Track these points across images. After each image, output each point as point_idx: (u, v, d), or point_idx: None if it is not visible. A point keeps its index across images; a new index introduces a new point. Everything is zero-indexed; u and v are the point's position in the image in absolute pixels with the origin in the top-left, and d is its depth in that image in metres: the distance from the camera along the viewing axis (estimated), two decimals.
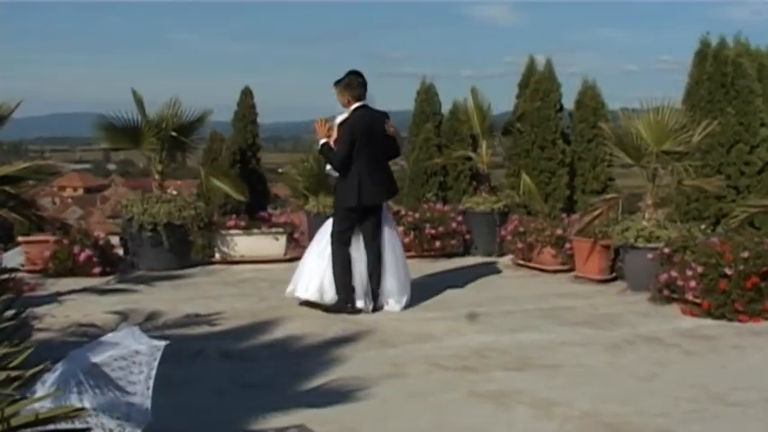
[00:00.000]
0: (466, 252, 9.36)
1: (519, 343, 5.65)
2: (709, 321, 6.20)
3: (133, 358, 2.73)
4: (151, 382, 2.71)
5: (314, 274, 6.61)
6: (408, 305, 6.70)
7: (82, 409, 2.48)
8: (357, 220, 6.60)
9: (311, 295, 6.58)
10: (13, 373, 2.54)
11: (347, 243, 6.58)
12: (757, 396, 4.52)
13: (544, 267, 8.34)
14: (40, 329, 5.56)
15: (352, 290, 6.55)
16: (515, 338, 5.79)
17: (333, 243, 6.58)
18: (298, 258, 7.23)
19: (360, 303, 6.56)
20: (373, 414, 4.21)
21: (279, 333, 5.92)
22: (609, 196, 8.27)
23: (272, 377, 4.85)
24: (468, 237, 9.36)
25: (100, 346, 2.76)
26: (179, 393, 4.35)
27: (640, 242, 7.19)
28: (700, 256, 6.41)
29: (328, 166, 6.81)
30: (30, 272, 7.97)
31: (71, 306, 6.70)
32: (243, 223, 8.97)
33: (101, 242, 8.27)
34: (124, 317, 6.24)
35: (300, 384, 4.68)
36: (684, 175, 7.49)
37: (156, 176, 8.89)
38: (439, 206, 9.44)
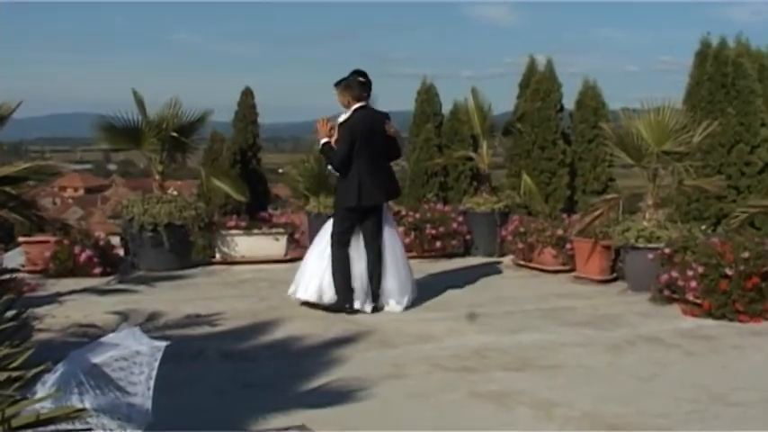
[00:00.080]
0: (466, 252, 9.36)
1: (519, 343, 5.65)
2: (710, 322, 6.20)
3: (134, 359, 2.73)
4: (152, 383, 2.71)
5: (314, 275, 6.62)
6: (410, 306, 6.70)
7: (83, 409, 2.48)
8: (357, 221, 6.60)
9: (310, 296, 6.59)
10: (14, 374, 2.54)
11: (347, 244, 6.58)
12: (758, 396, 4.52)
13: (545, 268, 8.34)
14: (40, 330, 5.56)
15: (351, 291, 6.55)
16: (516, 339, 5.79)
17: (332, 243, 6.58)
18: (298, 259, 7.23)
19: (358, 304, 6.56)
20: (374, 414, 4.21)
21: (279, 333, 5.92)
22: (609, 196, 8.28)
23: (273, 377, 4.85)
24: (468, 237, 9.36)
25: (100, 347, 2.76)
26: (180, 394, 4.35)
27: (641, 242, 7.19)
28: (700, 256, 6.41)
29: (330, 166, 6.82)
30: (30, 272, 7.98)
31: (71, 306, 6.70)
32: (243, 224, 8.97)
33: (101, 242, 8.27)
34: (125, 317, 6.24)
35: (301, 385, 4.68)
36: (685, 176, 7.49)
37: (157, 177, 8.89)
38: (439, 206, 9.44)
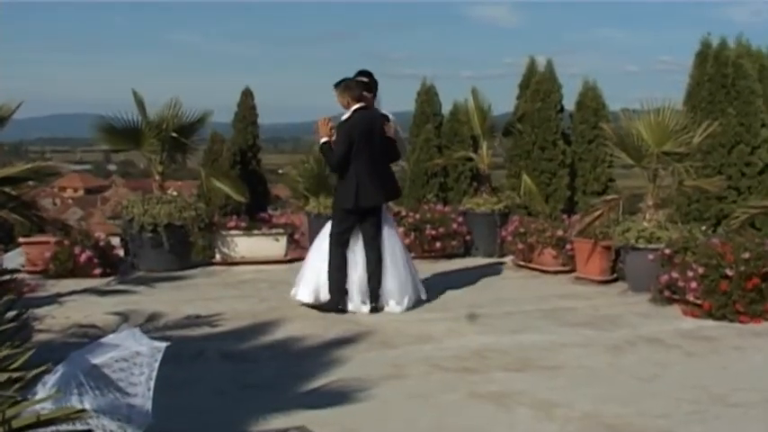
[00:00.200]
0: (466, 253, 9.36)
1: (519, 344, 5.65)
2: (710, 322, 6.19)
3: (134, 359, 2.72)
4: (152, 384, 2.71)
5: (313, 276, 6.65)
6: (412, 306, 6.69)
7: (83, 410, 2.48)
8: (356, 222, 6.61)
9: (309, 297, 6.61)
10: (15, 375, 2.54)
11: (345, 244, 6.59)
12: (758, 397, 4.52)
13: (545, 268, 8.34)
14: (40, 331, 5.57)
15: (345, 292, 6.56)
16: (516, 339, 5.78)
17: (330, 244, 6.59)
18: (298, 259, 7.24)
19: (352, 306, 6.57)
20: (374, 415, 4.21)
21: (279, 334, 5.92)
22: (610, 197, 8.28)
23: (273, 378, 4.85)
24: (468, 238, 9.36)
25: (100, 348, 2.76)
26: (180, 394, 4.35)
27: (641, 243, 7.19)
28: (700, 257, 6.41)
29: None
30: (30, 273, 7.98)
31: (71, 307, 6.70)
32: (243, 224, 8.97)
33: (101, 243, 8.26)
34: (125, 318, 6.24)
35: (301, 385, 4.68)
36: (685, 176, 7.49)
37: (157, 177, 8.89)
38: (439, 207, 9.44)
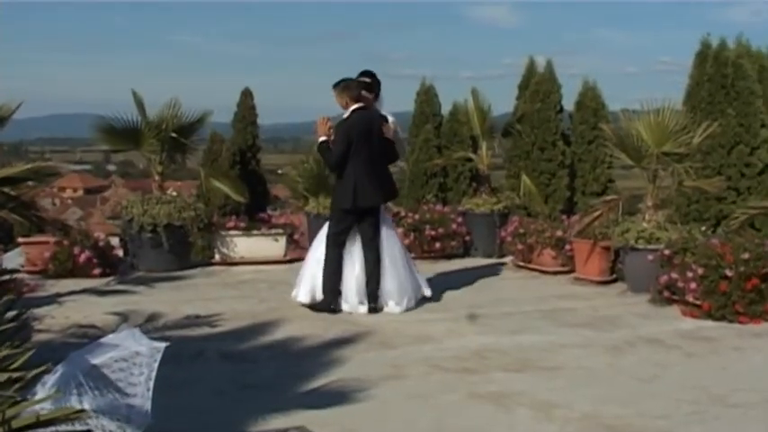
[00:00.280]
0: (466, 253, 9.35)
1: (519, 344, 5.65)
2: (710, 323, 6.20)
3: (133, 360, 2.72)
4: (151, 384, 2.71)
5: (311, 277, 6.65)
6: (413, 306, 6.69)
7: (82, 410, 2.48)
8: (354, 222, 6.61)
9: (305, 297, 6.63)
10: (14, 375, 2.54)
11: (342, 244, 6.60)
12: (758, 397, 4.52)
13: (544, 269, 8.34)
14: (40, 331, 5.56)
15: (339, 293, 6.57)
16: (515, 340, 5.78)
17: (327, 244, 6.59)
18: (298, 260, 7.23)
19: (347, 307, 6.57)
20: (373, 415, 4.21)
21: (279, 334, 5.92)
22: (609, 198, 8.28)
23: (273, 378, 4.85)
24: (468, 238, 9.36)
25: (100, 348, 2.76)
26: (179, 395, 4.35)
27: (641, 243, 7.19)
28: (700, 257, 6.41)
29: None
30: (30, 273, 7.97)
31: (71, 307, 6.70)
32: (243, 224, 8.96)
33: (101, 243, 8.26)
34: (124, 318, 6.24)
35: (300, 386, 4.67)
36: (685, 177, 7.48)
37: (156, 177, 8.88)
38: (439, 207, 9.44)
